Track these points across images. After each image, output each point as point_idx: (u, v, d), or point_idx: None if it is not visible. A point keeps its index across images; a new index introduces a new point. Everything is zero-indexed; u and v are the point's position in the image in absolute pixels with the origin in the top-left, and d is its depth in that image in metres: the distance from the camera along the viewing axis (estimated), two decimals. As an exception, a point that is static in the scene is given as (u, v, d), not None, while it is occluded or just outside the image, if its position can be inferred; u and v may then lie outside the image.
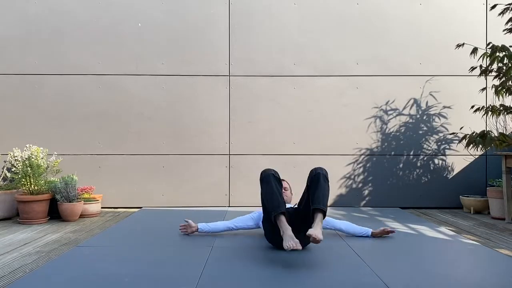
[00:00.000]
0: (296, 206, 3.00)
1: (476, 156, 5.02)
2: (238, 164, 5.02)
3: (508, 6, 4.10)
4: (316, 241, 2.47)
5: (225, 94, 5.03)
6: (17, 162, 4.30)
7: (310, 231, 2.47)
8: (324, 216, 2.65)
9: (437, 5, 5.05)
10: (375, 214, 4.51)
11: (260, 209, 3.08)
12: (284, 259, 2.70)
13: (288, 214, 2.75)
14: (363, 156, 5.05)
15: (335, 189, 5.01)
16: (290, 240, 2.50)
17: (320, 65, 5.05)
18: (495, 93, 4.13)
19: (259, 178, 2.88)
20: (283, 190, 2.86)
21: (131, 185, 4.98)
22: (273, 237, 2.90)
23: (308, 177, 2.84)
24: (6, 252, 3.00)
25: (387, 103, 5.05)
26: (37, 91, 4.96)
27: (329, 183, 2.80)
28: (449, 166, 5.03)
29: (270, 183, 2.77)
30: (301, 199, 2.91)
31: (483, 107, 4.27)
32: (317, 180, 2.74)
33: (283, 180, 3.00)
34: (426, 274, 2.43)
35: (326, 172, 2.81)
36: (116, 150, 5.00)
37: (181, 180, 5.01)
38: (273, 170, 2.86)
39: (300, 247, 2.46)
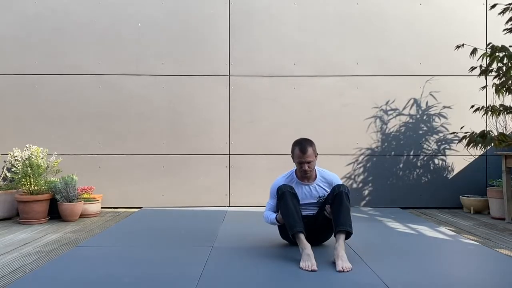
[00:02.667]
0: (315, 213, 2.96)
1: (476, 156, 5.01)
2: (238, 164, 5.02)
3: (508, 6, 4.09)
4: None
5: (225, 94, 5.03)
6: (17, 162, 4.30)
7: (339, 266, 2.44)
8: (348, 237, 2.67)
9: (437, 5, 5.05)
10: (375, 214, 4.51)
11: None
12: (284, 259, 2.71)
13: (307, 221, 2.83)
14: (363, 156, 5.04)
15: (335, 189, 5.01)
16: (307, 260, 2.49)
17: (320, 65, 5.05)
18: (496, 92, 4.13)
19: (272, 190, 2.94)
20: (307, 167, 2.77)
21: (131, 185, 4.98)
22: (286, 235, 2.96)
23: (331, 192, 2.83)
24: (6, 252, 3.00)
25: (387, 103, 5.05)
26: (37, 91, 4.96)
27: (350, 199, 2.79)
28: (449, 166, 5.03)
29: (287, 201, 2.74)
30: (321, 207, 2.92)
31: (483, 107, 4.27)
32: (340, 200, 2.72)
33: (307, 156, 2.76)
34: (426, 274, 2.43)
35: (348, 190, 2.79)
36: (116, 150, 5.00)
37: (181, 180, 5.01)
38: (289, 186, 2.81)
39: (316, 269, 2.43)
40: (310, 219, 2.91)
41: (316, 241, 2.97)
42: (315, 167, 2.91)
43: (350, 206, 2.76)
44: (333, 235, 2.73)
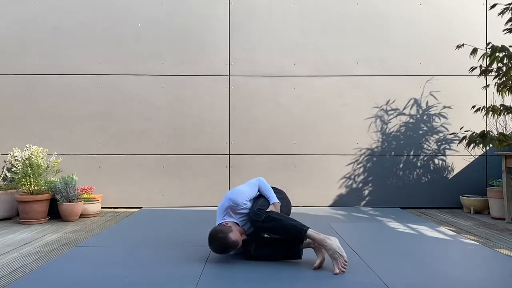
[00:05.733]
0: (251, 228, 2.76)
1: (476, 156, 5.01)
2: (238, 164, 5.02)
3: (508, 6, 4.09)
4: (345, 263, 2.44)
5: (225, 94, 5.03)
6: (17, 162, 4.30)
7: (335, 269, 2.40)
8: (306, 232, 2.51)
9: (437, 5, 5.05)
10: (375, 214, 4.51)
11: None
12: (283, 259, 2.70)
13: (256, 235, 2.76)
14: (363, 156, 5.04)
15: (335, 189, 5.01)
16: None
17: (320, 65, 5.05)
18: (497, 91, 4.12)
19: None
20: (242, 242, 2.62)
21: (131, 185, 4.98)
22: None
23: (254, 228, 2.67)
24: (6, 252, 3.00)
25: (387, 103, 5.05)
26: (37, 91, 4.96)
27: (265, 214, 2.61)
28: (449, 166, 5.03)
29: (266, 254, 2.67)
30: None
31: (483, 107, 4.27)
32: (269, 228, 2.57)
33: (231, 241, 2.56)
34: (426, 274, 2.43)
35: (262, 215, 2.57)
36: (116, 150, 4.99)
37: (181, 180, 5.01)
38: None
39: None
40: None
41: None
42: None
43: (277, 219, 2.56)
44: (304, 244, 2.62)
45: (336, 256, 2.42)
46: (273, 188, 3.00)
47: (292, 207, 3.13)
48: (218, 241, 2.54)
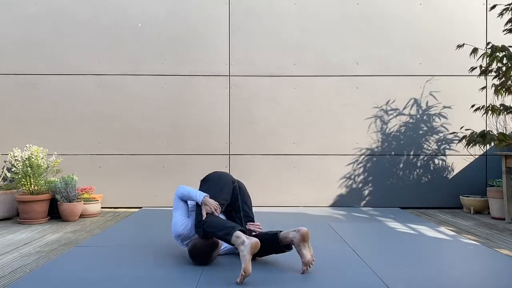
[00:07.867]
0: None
1: (476, 156, 5.01)
2: (238, 164, 5.02)
3: (508, 6, 4.09)
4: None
5: (225, 94, 5.03)
6: (17, 162, 4.30)
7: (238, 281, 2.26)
8: (230, 241, 2.43)
9: (437, 5, 5.05)
10: (375, 214, 4.51)
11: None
12: (284, 259, 2.70)
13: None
14: (363, 156, 5.04)
15: (335, 189, 5.02)
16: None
17: (320, 65, 5.05)
18: (495, 93, 4.13)
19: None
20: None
21: (131, 185, 4.98)
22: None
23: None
24: (6, 252, 3.00)
25: (387, 103, 5.05)
26: (37, 91, 4.96)
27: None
28: (449, 166, 5.03)
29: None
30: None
31: (483, 106, 4.27)
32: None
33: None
34: (426, 274, 2.43)
35: (201, 233, 2.58)
36: (116, 150, 4.99)
37: (181, 180, 5.00)
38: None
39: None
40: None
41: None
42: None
43: (206, 224, 2.54)
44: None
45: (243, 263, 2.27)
46: (204, 179, 2.93)
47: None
48: (198, 251, 2.56)
